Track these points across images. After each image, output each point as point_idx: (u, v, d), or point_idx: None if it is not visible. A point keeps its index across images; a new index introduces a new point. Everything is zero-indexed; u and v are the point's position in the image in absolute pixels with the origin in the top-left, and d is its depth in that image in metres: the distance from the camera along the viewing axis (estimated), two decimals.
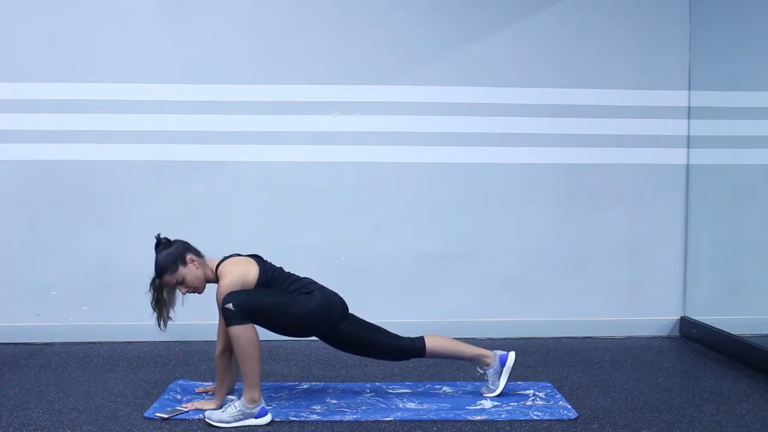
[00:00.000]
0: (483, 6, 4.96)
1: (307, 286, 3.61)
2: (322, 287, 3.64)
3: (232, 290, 3.44)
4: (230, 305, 3.35)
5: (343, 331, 3.64)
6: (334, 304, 3.61)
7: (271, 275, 3.59)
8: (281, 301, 3.51)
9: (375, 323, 3.74)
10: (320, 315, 3.56)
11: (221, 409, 3.40)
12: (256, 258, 3.67)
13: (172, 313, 3.64)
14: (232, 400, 3.48)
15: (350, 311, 3.70)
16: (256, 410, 3.37)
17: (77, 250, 4.85)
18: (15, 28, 4.77)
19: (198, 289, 3.61)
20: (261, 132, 4.89)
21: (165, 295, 3.60)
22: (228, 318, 3.36)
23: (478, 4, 4.96)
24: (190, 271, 3.56)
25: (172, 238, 3.65)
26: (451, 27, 4.96)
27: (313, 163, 4.93)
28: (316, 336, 3.69)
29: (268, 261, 3.71)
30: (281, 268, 3.68)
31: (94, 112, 4.81)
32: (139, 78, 4.82)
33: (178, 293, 3.65)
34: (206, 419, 3.38)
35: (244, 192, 4.91)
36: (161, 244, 3.59)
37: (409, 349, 3.69)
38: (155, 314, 3.61)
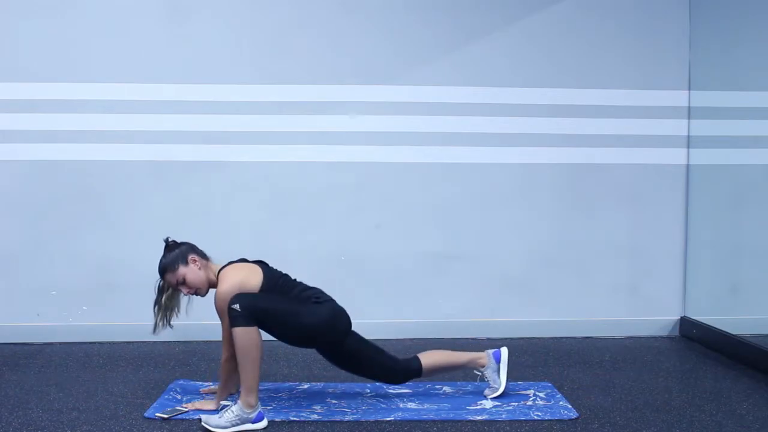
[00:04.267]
0: (483, 6, 4.96)
1: (318, 296, 3.55)
2: (332, 299, 3.58)
3: (232, 294, 3.40)
4: (237, 306, 3.30)
5: (344, 346, 3.58)
6: (342, 318, 3.55)
7: (276, 282, 3.54)
8: (290, 308, 3.45)
9: (375, 343, 3.68)
10: (327, 327, 3.49)
11: (218, 415, 3.34)
12: (262, 265, 3.63)
13: (174, 320, 3.63)
14: (228, 405, 3.42)
15: (351, 318, 3.63)
16: (253, 415, 3.32)
17: (77, 250, 4.84)
18: (15, 28, 4.77)
19: (200, 291, 3.60)
20: (261, 132, 4.89)
21: (164, 300, 3.59)
22: (233, 318, 3.30)
23: (478, 4, 4.96)
24: (191, 270, 3.54)
25: (178, 240, 3.65)
26: (451, 27, 4.96)
27: (313, 163, 4.93)
28: (316, 348, 3.64)
29: (275, 268, 3.66)
30: (287, 275, 3.63)
31: (94, 112, 4.81)
32: (139, 78, 4.82)
33: (182, 301, 3.64)
34: (203, 424, 3.31)
35: (244, 192, 4.91)
36: (168, 246, 3.61)
37: (405, 371, 3.63)
38: (154, 318, 3.60)
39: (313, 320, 3.46)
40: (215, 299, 3.49)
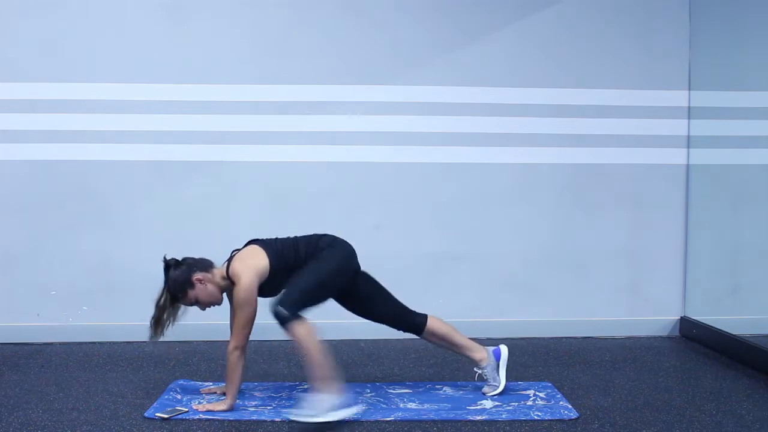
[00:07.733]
0: (482, 6, 4.96)
1: (321, 241, 3.67)
2: (333, 237, 3.73)
3: (255, 283, 3.47)
4: (282, 310, 3.38)
5: (360, 283, 3.73)
6: (350, 250, 3.73)
7: (278, 251, 3.60)
8: (315, 275, 3.55)
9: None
10: (346, 264, 3.68)
11: (305, 407, 3.41)
12: (258, 243, 3.66)
13: (170, 327, 3.62)
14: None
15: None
16: (339, 401, 3.40)
17: (77, 250, 4.84)
18: (14, 28, 4.77)
19: (215, 303, 3.63)
20: (261, 132, 4.89)
21: (166, 315, 3.58)
22: (283, 321, 3.39)
23: (478, 4, 4.96)
24: (200, 291, 3.56)
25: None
26: (450, 27, 4.96)
27: (313, 163, 4.93)
28: (341, 288, 3.70)
29: (268, 239, 3.70)
30: (284, 241, 3.69)
31: (94, 112, 4.81)
32: (139, 78, 4.82)
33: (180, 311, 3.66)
34: (293, 419, 3.38)
35: (244, 192, 4.91)
36: (169, 266, 3.57)
37: (410, 323, 3.76)
38: (150, 330, 3.58)
39: (335, 266, 3.62)
40: (237, 292, 3.48)
